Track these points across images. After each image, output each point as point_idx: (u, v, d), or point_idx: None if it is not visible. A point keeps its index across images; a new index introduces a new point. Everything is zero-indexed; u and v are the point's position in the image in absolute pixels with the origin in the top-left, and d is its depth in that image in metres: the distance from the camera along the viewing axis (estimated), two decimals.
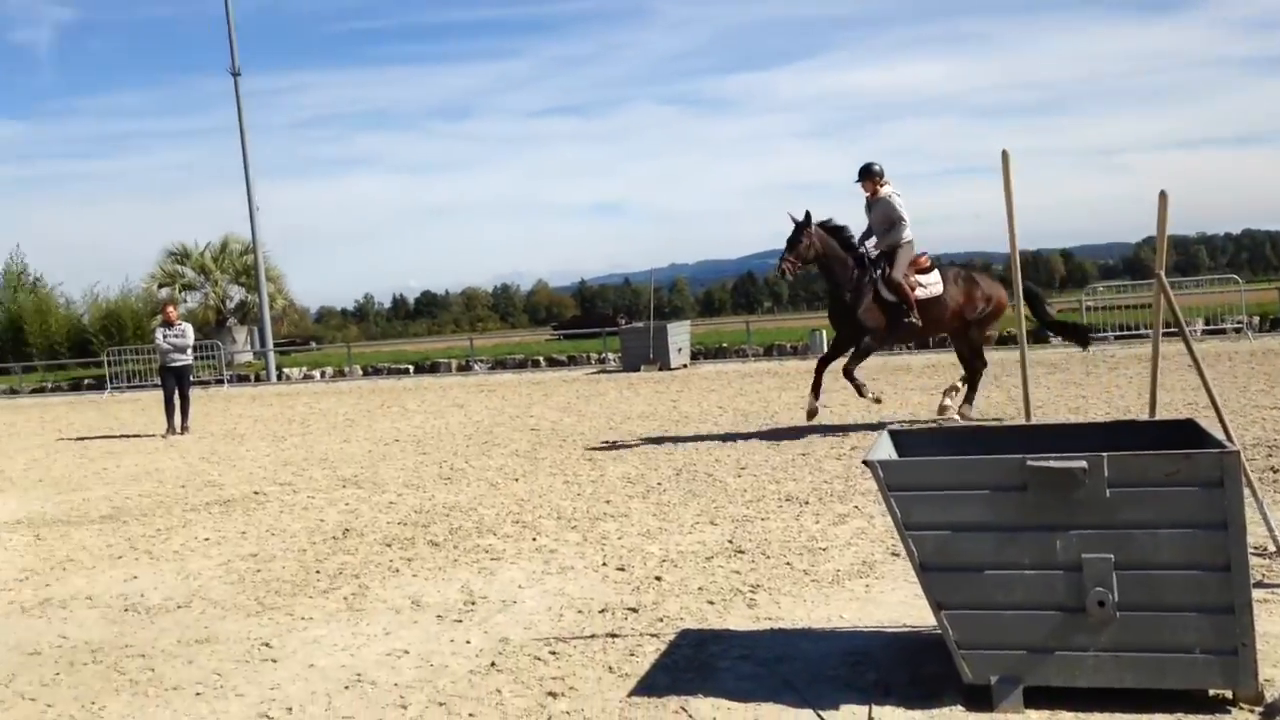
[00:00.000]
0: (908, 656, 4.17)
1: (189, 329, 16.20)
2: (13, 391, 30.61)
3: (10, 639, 5.26)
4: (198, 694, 4.28)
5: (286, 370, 30.05)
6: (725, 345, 26.13)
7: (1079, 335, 11.61)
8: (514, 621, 5.01)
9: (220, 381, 28.36)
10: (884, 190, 10.42)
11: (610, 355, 25.78)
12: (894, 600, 4.92)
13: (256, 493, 9.39)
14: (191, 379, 16.49)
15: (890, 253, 10.32)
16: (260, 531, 7.63)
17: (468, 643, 4.73)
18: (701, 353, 25.28)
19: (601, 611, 5.07)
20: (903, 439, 4.38)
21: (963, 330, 10.69)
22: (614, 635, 4.69)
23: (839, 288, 10.41)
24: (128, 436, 15.73)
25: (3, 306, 37.58)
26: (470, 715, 3.88)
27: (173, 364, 15.71)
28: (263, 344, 31.51)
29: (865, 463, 3.74)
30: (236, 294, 38.12)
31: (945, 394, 10.80)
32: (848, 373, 10.47)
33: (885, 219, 10.41)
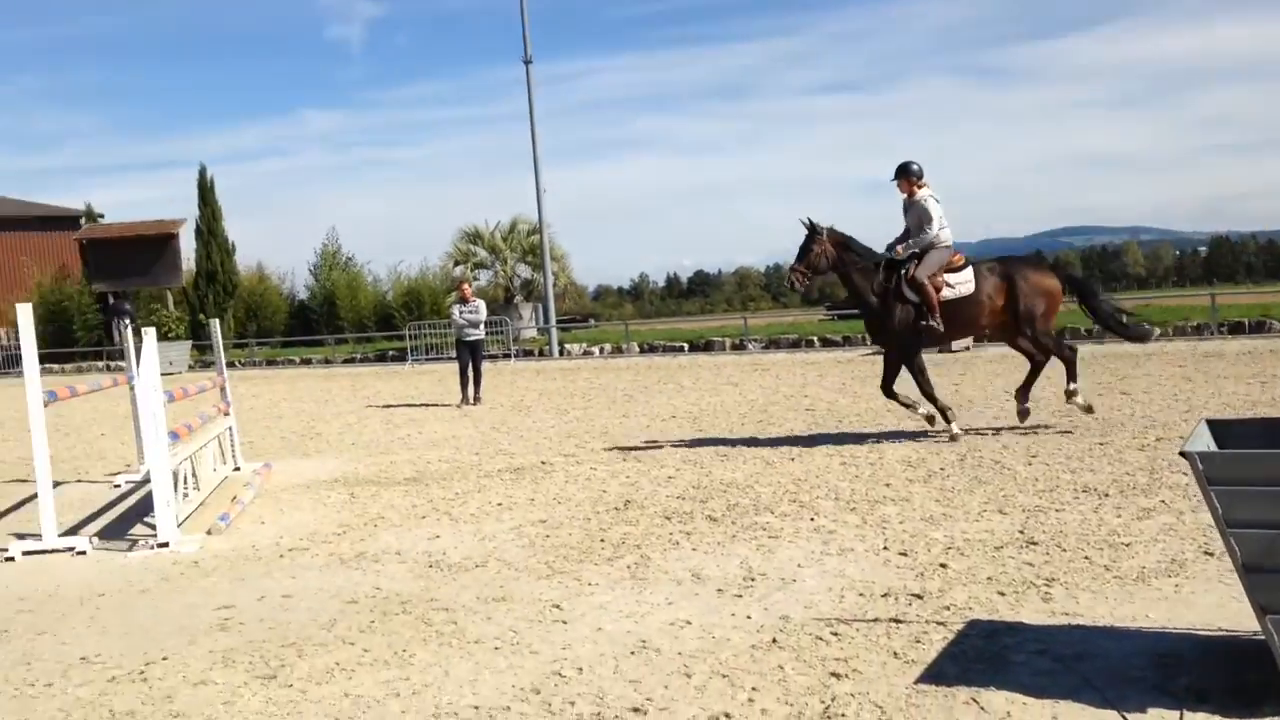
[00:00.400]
0: (1224, 662, 3.85)
1: (482, 305, 17.16)
2: (326, 361, 33.45)
3: (331, 587, 5.74)
4: (496, 648, 4.52)
5: (568, 346, 31.25)
6: None
7: (1137, 334, 10.41)
8: (794, 600, 5.00)
9: (508, 356, 29.85)
10: (921, 192, 9.80)
11: None
12: (1207, 602, 4.55)
13: (543, 462, 9.82)
14: (484, 353, 17.46)
15: (922, 254, 9.71)
16: (547, 499, 7.97)
17: (748, 618, 4.76)
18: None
19: (884, 596, 4.97)
20: (1224, 430, 4.03)
21: (1013, 326, 9.82)
22: (898, 620, 4.59)
23: (861, 297, 9.91)
24: (427, 405, 16.83)
25: (319, 283, 41.05)
26: (753, 689, 3.89)
27: (467, 338, 16.70)
28: (546, 320, 32.90)
29: (1183, 454, 3.47)
30: (523, 272, 40.00)
31: (1068, 397, 9.85)
32: (889, 390, 10.00)
33: (918, 221, 9.79)
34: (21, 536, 7.30)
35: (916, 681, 3.87)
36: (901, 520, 6.51)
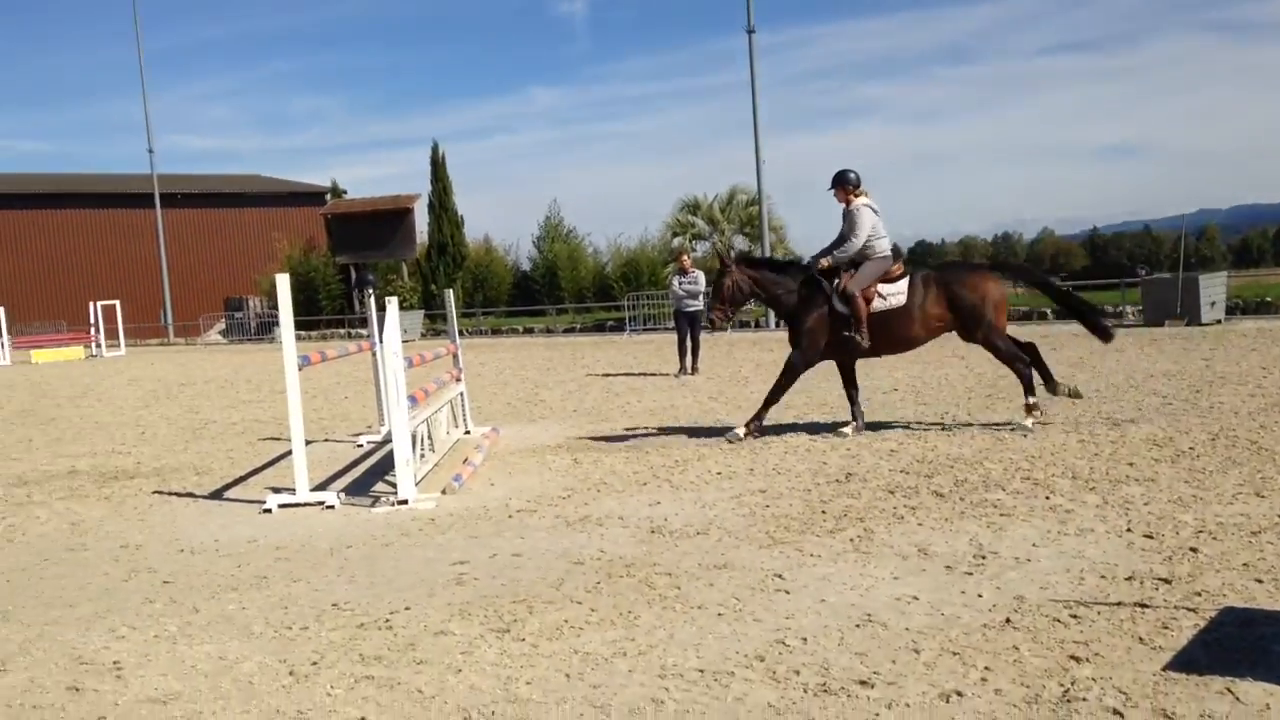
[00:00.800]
0: None
1: (701, 276, 17.21)
2: (548, 331, 34.46)
3: (558, 548, 5.92)
4: (719, 614, 4.54)
5: None
6: (1268, 300, 23.17)
7: (1104, 331, 9.59)
8: (1028, 580, 4.80)
9: (723, 327, 29.90)
10: (856, 201, 9.39)
11: (1128, 309, 23.85)
12: None
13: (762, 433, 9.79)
14: (702, 324, 17.54)
15: (858, 265, 9.32)
16: (767, 469, 7.94)
17: (980, 596, 4.60)
18: (1239, 307, 22.62)
19: (1128, 579, 4.70)
20: None
21: (962, 334, 9.37)
22: (1143, 605, 4.33)
23: (782, 309, 9.78)
24: (645, 375, 17.08)
25: (541, 255, 42.30)
26: (986, 669, 3.76)
27: (686, 309, 16.81)
28: None
29: None
30: (741, 243, 39.94)
31: (1027, 411, 9.13)
32: (762, 410, 9.67)
33: (846, 231, 9.41)
34: (277, 490, 7.86)
35: (1164, 668, 3.64)
36: (1146, 501, 6.14)
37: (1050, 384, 9.29)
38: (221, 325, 45.79)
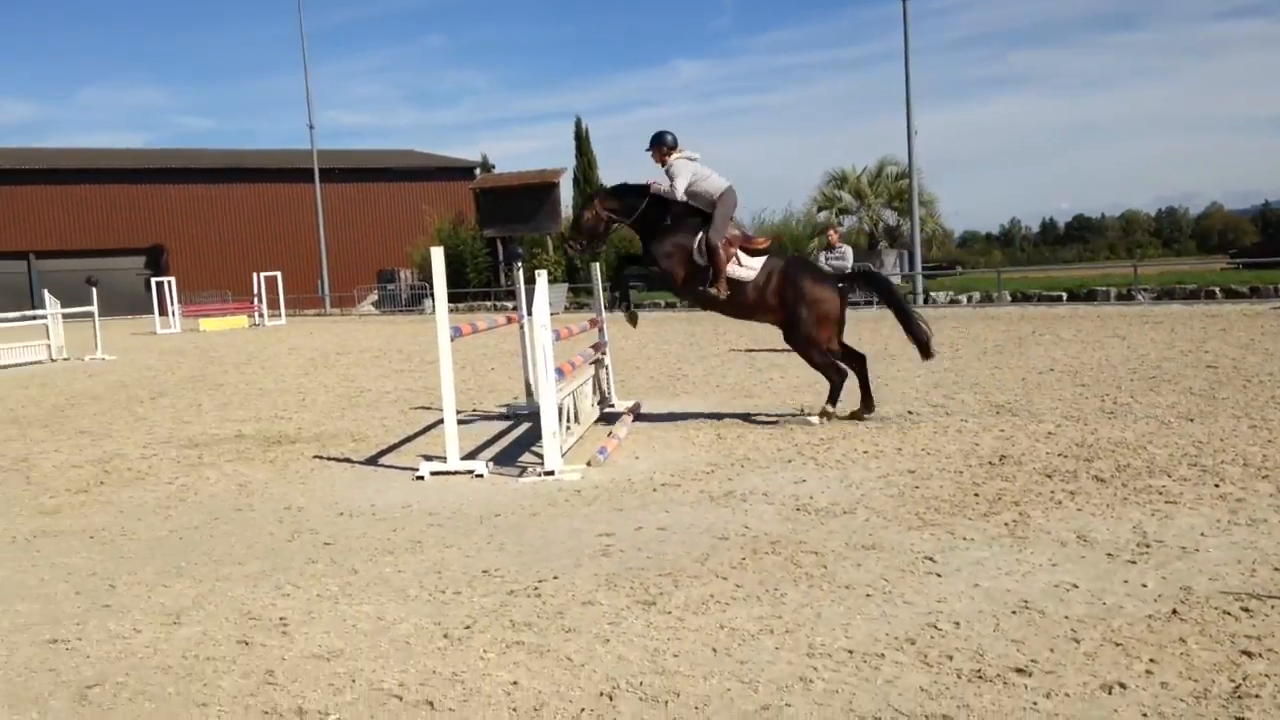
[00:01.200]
0: None
1: (849, 251, 16.94)
2: (690, 305, 34.42)
3: (702, 523, 5.92)
4: (868, 595, 4.48)
5: (933, 294, 30.33)
6: None
7: (926, 347, 9.43)
8: (1196, 570, 4.58)
9: (870, 303, 29.40)
10: (671, 157, 9.39)
11: None
12: None
13: (910, 412, 9.60)
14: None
15: (712, 216, 9.26)
16: (915, 449, 7.78)
17: (1144, 586, 4.41)
18: None
19: None
20: None
21: (784, 334, 9.65)
22: None
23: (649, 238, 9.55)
24: (789, 351, 16.87)
25: None
26: (1151, 660, 3.61)
27: None
28: (912, 267, 32.09)
29: None
30: (888, 218, 39.18)
31: (822, 413, 9.30)
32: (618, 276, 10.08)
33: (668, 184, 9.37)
34: (429, 459, 8.07)
35: None
36: None
37: (865, 403, 9.39)
38: (374, 296, 47.34)
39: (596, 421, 9.81)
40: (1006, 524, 5.53)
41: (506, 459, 8.30)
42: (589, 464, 7.72)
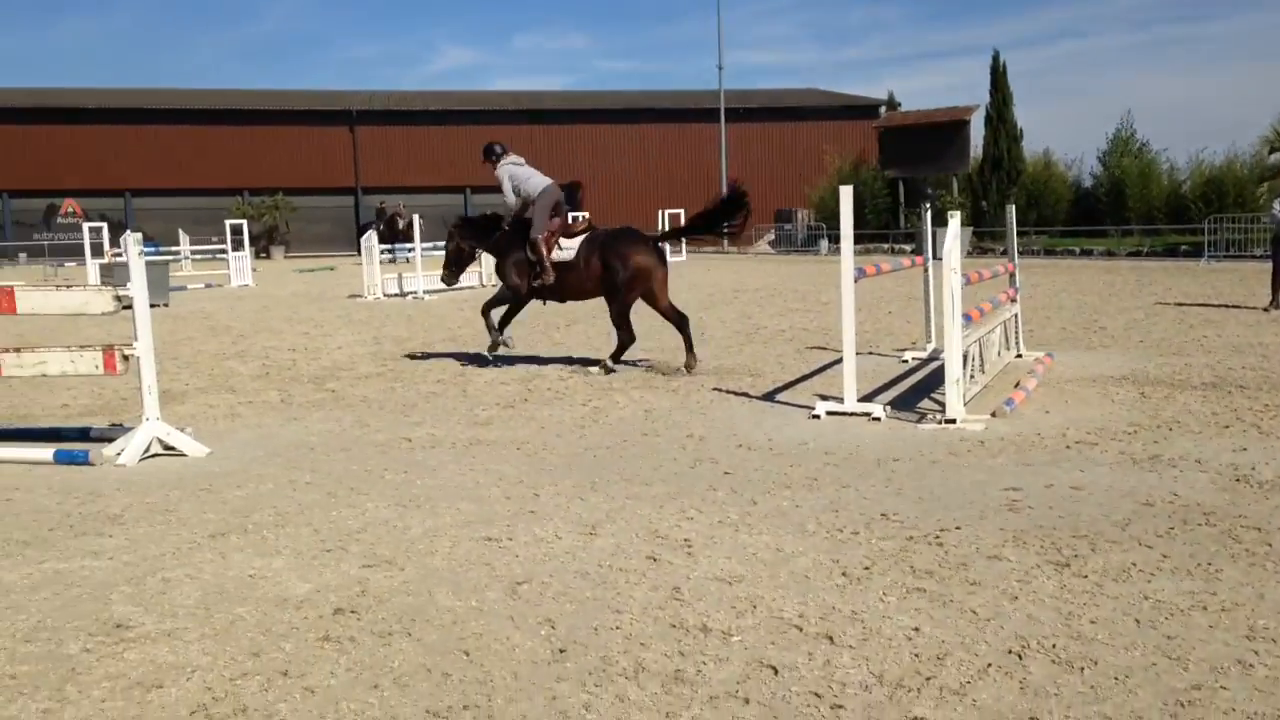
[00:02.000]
0: None
1: None
2: (1109, 254, 31.98)
3: (1122, 486, 5.49)
4: None
5: None
6: None
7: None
8: None
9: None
10: (499, 167, 10.61)
11: None
12: None
13: None
14: None
15: (530, 215, 10.32)
16: None
17: None
18: None
19: None
20: None
21: (606, 301, 10.34)
22: None
23: (497, 258, 10.88)
24: (1226, 306, 15.28)
25: (1107, 171, 39.15)
26: None
27: None
28: None
29: None
30: None
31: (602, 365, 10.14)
32: (484, 311, 10.80)
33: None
34: (825, 398, 8.07)
35: None
36: None
37: (689, 358, 9.94)
38: (771, 236, 47.94)
39: (1003, 371, 9.36)
40: None
41: (904, 404, 8.13)
42: (994, 414, 7.39)
